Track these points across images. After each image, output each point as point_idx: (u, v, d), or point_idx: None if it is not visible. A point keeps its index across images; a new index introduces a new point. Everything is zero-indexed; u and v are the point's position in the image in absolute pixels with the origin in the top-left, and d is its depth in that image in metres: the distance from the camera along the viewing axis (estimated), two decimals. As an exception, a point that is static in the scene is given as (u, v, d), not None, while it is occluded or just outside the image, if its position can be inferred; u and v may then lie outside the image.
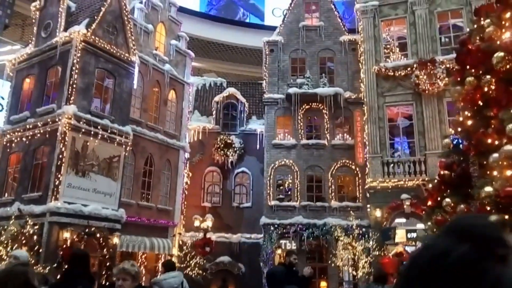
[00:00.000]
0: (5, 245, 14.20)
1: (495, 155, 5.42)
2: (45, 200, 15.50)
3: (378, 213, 17.69)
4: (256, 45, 32.66)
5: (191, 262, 19.35)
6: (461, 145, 7.09)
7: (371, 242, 17.47)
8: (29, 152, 17.05)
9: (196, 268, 19.34)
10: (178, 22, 23.73)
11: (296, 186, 20.69)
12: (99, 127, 16.92)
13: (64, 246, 14.73)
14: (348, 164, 20.63)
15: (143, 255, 19.13)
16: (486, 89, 6.30)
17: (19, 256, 4.85)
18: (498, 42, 6.35)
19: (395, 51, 19.96)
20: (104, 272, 15.56)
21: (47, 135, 16.46)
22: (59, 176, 15.52)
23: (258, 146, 23.61)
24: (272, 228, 19.92)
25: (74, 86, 16.59)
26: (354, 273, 18.04)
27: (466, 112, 6.71)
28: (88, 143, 16.55)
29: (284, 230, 19.87)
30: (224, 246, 22.08)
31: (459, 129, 6.95)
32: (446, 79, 17.46)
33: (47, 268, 13.33)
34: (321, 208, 20.08)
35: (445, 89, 17.53)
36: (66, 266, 6.08)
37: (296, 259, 7.62)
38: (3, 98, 24.08)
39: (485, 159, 5.73)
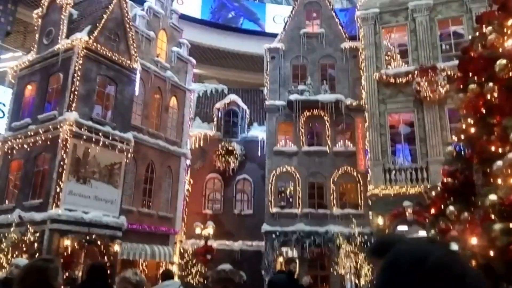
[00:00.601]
0: (5, 253, 14.14)
1: (499, 163, 5.38)
2: (46, 207, 15.46)
3: (380, 220, 17.58)
4: (258, 52, 32.75)
5: (192, 269, 19.27)
6: (463, 153, 7.05)
7: (373, 250, 17.32)
8: (30, 159, 17.03)
9: (197, 276, 19.24)
10: (179, 29, 23.83)
11: (297, 193, 20.61)
12: (100, 133, 16.92)
13: (65, 253, 14.66)
14: (349, 171, 20.57)
15: (144, 262, 19.03)
16: (489, 96, 6.27)
17: (21, 265, 4.82)
18: (500, 50, 6.33)
19: (396, 58, 19.97)
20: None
21: (48, 142, 16.46)
22: (60, 183, 15.50)
23: (259, 153, 23.57)
24: (273, 235, 19.83)
25: (76, 93, 16.61)
26: (357, 281, 17.91)
27: (469, 120, 6.68)
28: (89, 150, 16.53)
29: (286, 238, 19.76)
30: (225, 253, 21.94)
31: (462, 137, 6.91)
32: (447, 86, 17.45)
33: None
34: (323, 216, 19.99)
35: (446, 96, 17.51)
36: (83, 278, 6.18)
37: (295, 267, 7.56)
38: (4, 105, 24.13)
39: (489, 167, 5.69)
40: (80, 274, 14.59)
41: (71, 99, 16.50)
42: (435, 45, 19.42)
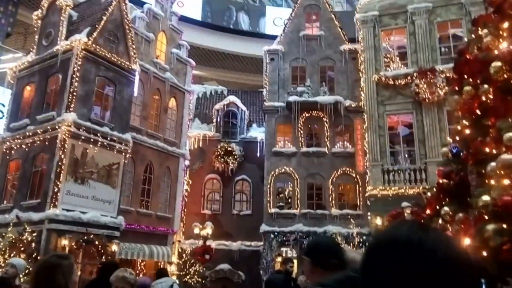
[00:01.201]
0: (2, 252, 14.14)
1: (493, 164, 5.40)
2: (43, 207, 15.47)
3: (378, 221, 17.58)
4: (257, 53, 32.81)
5: (190, 269, 19.26)
6: (460, 154, 7.08)
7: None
8: (28, 159, 17.06)
9: (196, 276, 19.23)
10: (179, 31, 23.87)
11: (296, 194, 20.65)
12: (98, 134, 16.95)
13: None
14: (348, 172, 20.60)
15: (142, 262, 19.04)
16: (484, 98, 6.30)
17: (16, 264, 4.83)
18: (495, 52, 6.36)
19: (395, 60, 20.02)
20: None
21: (46, 143, 16.48)
22: (58, 183, 15.51)
23: (258, 154, 23.62)
24: (272, 236, 19.86)
25: (74, 93, 16.64)
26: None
27: (464, 121, 6.71)
28: (87, 151, 16.55)
29: (284, 238, 19.80)
30: (224, 253, 21.95)
31: (458, 138, 6.94)
32: (446, 88, 17.49)
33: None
34: (322, 216, 20.03)
35: (445, 98, 17.54)
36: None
37: (292, 267, 7.59)
38: (3, 105, 24.17)
39: (483, 168, 5.72)
40: (79, 273, 14.60)
41: (69, 100, 16.52)
42: (434, 48, 19.47)
